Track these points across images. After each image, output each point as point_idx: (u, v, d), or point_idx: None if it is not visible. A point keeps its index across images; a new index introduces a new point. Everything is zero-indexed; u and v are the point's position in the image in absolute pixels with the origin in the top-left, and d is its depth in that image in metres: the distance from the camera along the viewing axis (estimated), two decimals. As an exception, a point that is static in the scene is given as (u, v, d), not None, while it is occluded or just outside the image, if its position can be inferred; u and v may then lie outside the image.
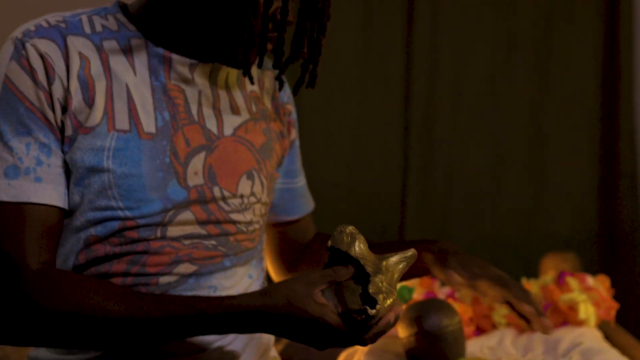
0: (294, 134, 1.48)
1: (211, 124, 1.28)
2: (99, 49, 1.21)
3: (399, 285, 1.41)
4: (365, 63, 3.09)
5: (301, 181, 1.53)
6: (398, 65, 3.08)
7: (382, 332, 1.15)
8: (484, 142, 3.08)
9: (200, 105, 1.27)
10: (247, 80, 1.35)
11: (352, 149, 3.08)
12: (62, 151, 1.19)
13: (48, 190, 1.17)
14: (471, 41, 3.08)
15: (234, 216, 1.29)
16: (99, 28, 1.23)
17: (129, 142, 1.20)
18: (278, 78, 1.33)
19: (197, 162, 1.25)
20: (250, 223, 1.32)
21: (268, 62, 1.38)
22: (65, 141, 1.18)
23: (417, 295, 1.79)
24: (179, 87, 1.26)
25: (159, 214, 1.22)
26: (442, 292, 1.84)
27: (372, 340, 1.15)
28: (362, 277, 1.13)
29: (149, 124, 1.22)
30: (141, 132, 1.21)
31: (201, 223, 1.26)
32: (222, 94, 1.30)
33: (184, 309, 1.13)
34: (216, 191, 1.27)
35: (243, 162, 1.31)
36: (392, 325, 1.15)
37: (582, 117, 3.09)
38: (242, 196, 1.30)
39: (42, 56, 1.17)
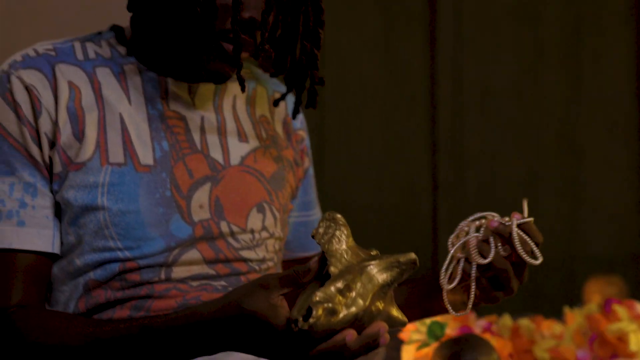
0: (307, 162, 1.40)
1: (216, 153, 1.21)
2: (91, 77, 1.17)
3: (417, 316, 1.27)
4: (389, 81, 3.11)
5: (317, 213, 1.44)
6: (422, 81, 3.10)
7: (337, 354, 0.96)
8: (515, 157, 3.06)
9: (203, 132, 1.21)
10: (257, 104, 1.30)
11: (379, 169, 3.07)
12: (52, 190, 1.14)
13: (31, 235, 1.13)
14: (496, 53, 3.07)
15: (245, 253, 1.21)
16: (91, 55, 1.19)
17: (125, 176, 1.14)
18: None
19: (202, 195, 1.18)
20: (263, 261, 1.24)
21: (280, 85, 1.33)
22: (54, 179, 1.13)
23: (451, 331, 1.73)
24: (179, 113, 1.20)
25: (162, 253, 1.15)
26: (478, 326, 1.75)
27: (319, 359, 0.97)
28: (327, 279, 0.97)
29: (145, 155, 1.16)
30: (137, 165, 1.15)
31: (209, 262, 1.18)
32: (229, 119, 1.25)
33: (128, 328, 1.04)
34: (224, 226, 1.19)
35: (252, 193, 1.23)
36: (359, 347, 0.96)
37: (618, 128, 3.11)
38: (252, 231, 1.22)
39: (27, 88, 1.13)
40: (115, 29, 1.24)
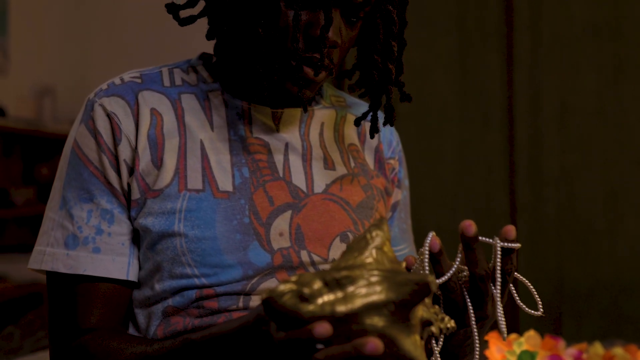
0: (399, 195, 1.35)
1: (299, 181, 1.18)
2: (175, 104, 1.17)
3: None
4: (465, 100, 3.07)
5: (406, 249, 1.38)
6: (499, 100, 3.05)
7: (302, 345, 0.80)
8: (596, 177, 2.96)
9: (286, 159, 1.19)
10: (345, 132, 1.26)
11: (455, 190, 3.03)
12: (129, 217, 1.13)
13: (105, 262, 1.13)
14: (575, 70, 2.99)
15: None
16: (178, 81, 1.20)
17: (202, 202, 1.12)
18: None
19: (282, 223, 1.15)
20: (344, 291, 1.17)
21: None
22: (132, 206, 1.13)
23: (540, 360, 1.61)
24: (262, 140, 1.18)
25: (240, 281, 1.11)
26: (568, 355, 1.66)
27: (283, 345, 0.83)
28: None
29: (224, 182, 1.14)
30: (215, 191, 1.13)
31: (288, 292, 1.12)
32: (315, 146, 1.22)
33: (172, 343, 1.01)
34: (304, 255, 1.15)
35: (336, 222, 1.19)
36: (333, 352, 0.80)
37: None
38: (334, 261, 1.15)
39: (109, 116, 1.13)
40: (204, 56, 1.23)
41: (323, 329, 0.78)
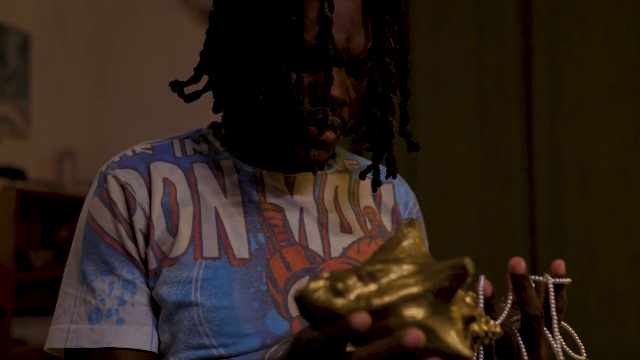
0: None
1: (315, 245, 1.16)
2: (187, 174, 1.16)
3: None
4: (485, 162, 3.06)
5: None
6: (519, 161, 3.01)
7: (342, 340, 0.75)
8: (619, 240, 2.92)
9: (302, 224, 1.17)
10: (360, 195, 1.25)
11: (476, 252, 3.02)
12: (149, 286, 1.11)
13: (130, 333, 1.09)
14: (595, 133, 2.98)
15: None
16: (189, 151, 1.19)
17: (219, 270, 1.09)
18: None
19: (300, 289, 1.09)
20: (364, 357, 1.14)
21: (383, 172, 1.27)
22: (150, 275, 1.11)
23: None
24: (277, 205, 1.17)
25: (258, 350, 1.08)
26: None
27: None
28: None
29: (240, 249, 1.11)
30: (232, 259, 1.11)
31: (307, 359, 1.09)
32: (330, 210, 1.20)
33: None
34: None
35: None
36: (376, 348, 0.74)
37: None
38: None
39: (122, 186, 1.12)
40: (214, 125, 1.22)
41: (362, 318, 0.72)
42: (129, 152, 1.16)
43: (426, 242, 1.34)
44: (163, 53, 4.20)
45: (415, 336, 0.71)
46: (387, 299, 0.76)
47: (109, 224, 1.11)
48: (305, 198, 1.18)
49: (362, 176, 1.23)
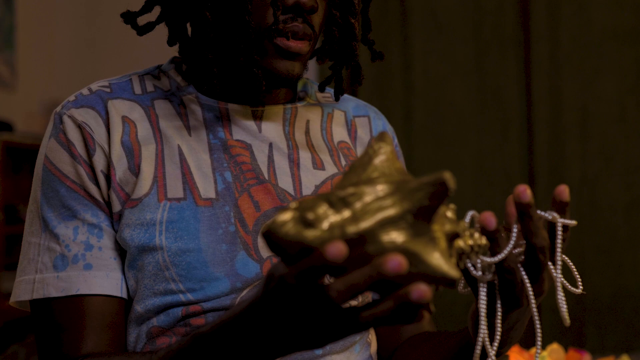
0: None
1: (286, 183, 1.10)
2: (148, 111, 1.10)
3: None
4: (483, 108, 3.02)
5: None
6: (518, 107, 3.05)
7: (318, 273, 0.69)
8: (618, 186, 2.94)
9: (271, 161, 1.10)
10: (334, 129, 1.18)
11: (473, 197, 3.01)
12: (114, 230, 1.06)
13: (99, 278, 1.04)
14: (595, 77, 3.04)
15: None
16: (150, 88, 1.13)
17: (184, 212, 1.04)
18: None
19: None
20: (342, 301, 1.08)
21: (361, 108, 1.23)
22: (115, 218, 1.05)
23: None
24: (243, 141, 1.10)
25: (228, 295, 1.03)
26: None
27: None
28: None
29: (207, 188, 1.06)
30: (197, 199, 1.05)
31: (280, 304, 1.03)
32: (301, 145, 1.14)
33: (179, 344, 0.88)
34: None
35: None
36: (355, 278, 0.68)
37: None
38: None
39: (79, 126, 1.06)
40: (175, 60, 1.15)
41: (337, 249, 0.66)
42: (85, 91, 1.10)
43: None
44: (152, 0, 4.13)
45: (396, 262, 0.66)
46: (362, 225, 0.69)
47: (68, 167, 1.05)
48: (275, 133, 1.12)
49: (322, 87, 1.17)
